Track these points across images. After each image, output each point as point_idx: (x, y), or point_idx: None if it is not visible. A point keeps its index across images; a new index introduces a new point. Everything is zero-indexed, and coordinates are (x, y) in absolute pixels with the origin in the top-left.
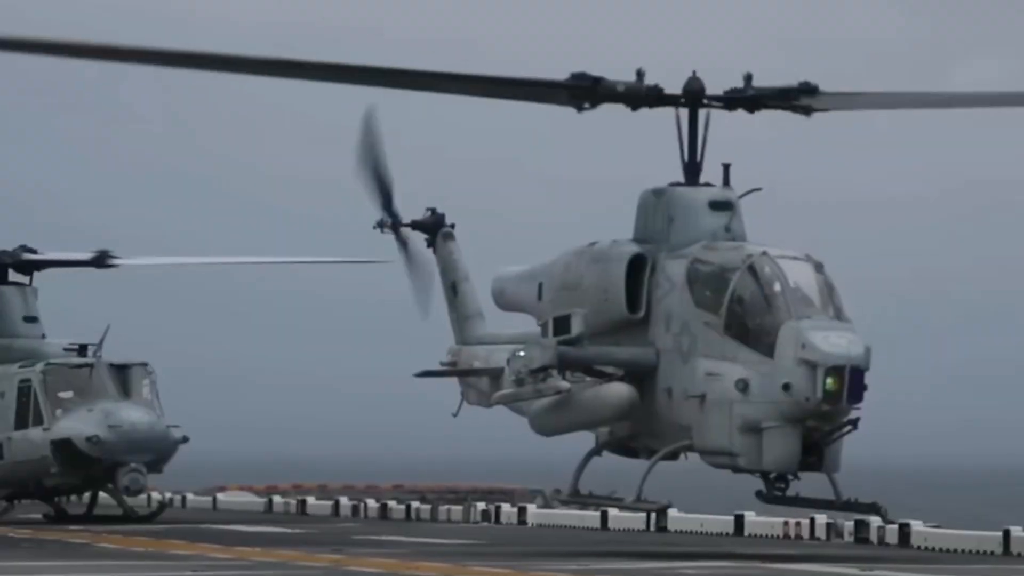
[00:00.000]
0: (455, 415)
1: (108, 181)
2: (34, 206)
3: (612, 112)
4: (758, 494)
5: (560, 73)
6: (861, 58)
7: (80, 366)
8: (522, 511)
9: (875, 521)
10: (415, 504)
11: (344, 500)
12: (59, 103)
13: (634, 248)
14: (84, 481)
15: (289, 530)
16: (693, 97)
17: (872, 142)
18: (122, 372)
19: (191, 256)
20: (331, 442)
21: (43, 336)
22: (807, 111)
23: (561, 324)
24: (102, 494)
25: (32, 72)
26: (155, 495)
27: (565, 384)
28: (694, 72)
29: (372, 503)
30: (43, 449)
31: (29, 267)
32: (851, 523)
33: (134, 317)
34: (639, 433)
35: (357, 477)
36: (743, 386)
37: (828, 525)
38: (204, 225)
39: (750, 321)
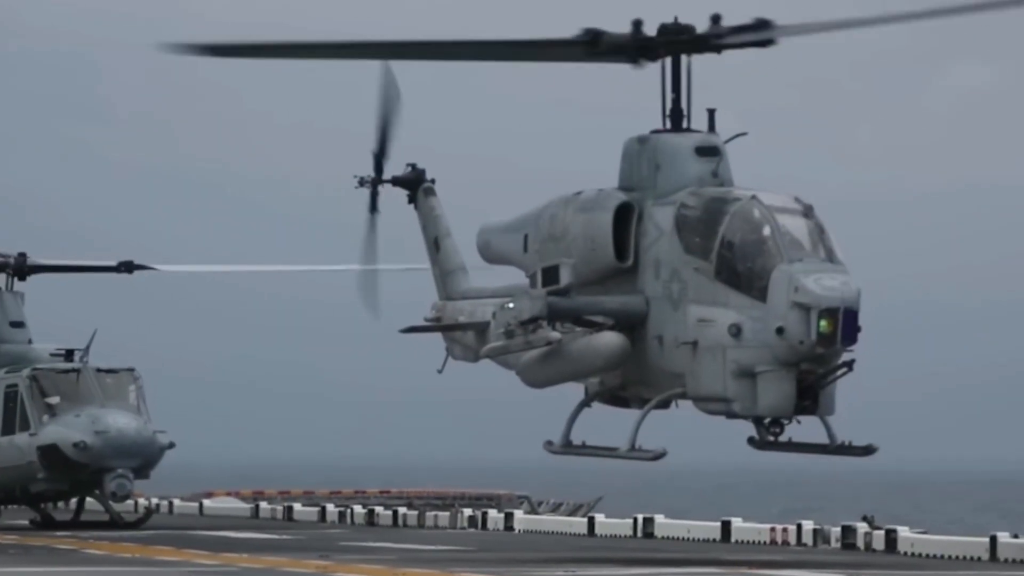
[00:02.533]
0: (440, 371)
1: (101, 186)
2: (23, 210)
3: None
4: (750, 441)
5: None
6: (845, 64)
7: (67, 371)
8: (509, 517)
9: (862, 527)
10: (402, 510)
11: (331, 506)
12: (50, 107)
13: (620, 196)
14: (71, 487)
15: (276, 536)
16: (672, 43)
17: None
18: (109, 377)
19: (184, 264)
20: (318, 446)
21: (30, 341)
22: (766, 44)
23: (549, 275)
24: (89, 500)
25: (25, 76)
26: (142, 501)
27: (556, 335)
28: (676, 18)
29: (359, 509)
30: (30, 455)
31: (19, 272)
32: (838, 529)
33: (122, 323)
34: (630, 383)
35: (344, 483)
36: (736, 331)
37: (815, 531)
38: (201, 230)
39: (741, 266)
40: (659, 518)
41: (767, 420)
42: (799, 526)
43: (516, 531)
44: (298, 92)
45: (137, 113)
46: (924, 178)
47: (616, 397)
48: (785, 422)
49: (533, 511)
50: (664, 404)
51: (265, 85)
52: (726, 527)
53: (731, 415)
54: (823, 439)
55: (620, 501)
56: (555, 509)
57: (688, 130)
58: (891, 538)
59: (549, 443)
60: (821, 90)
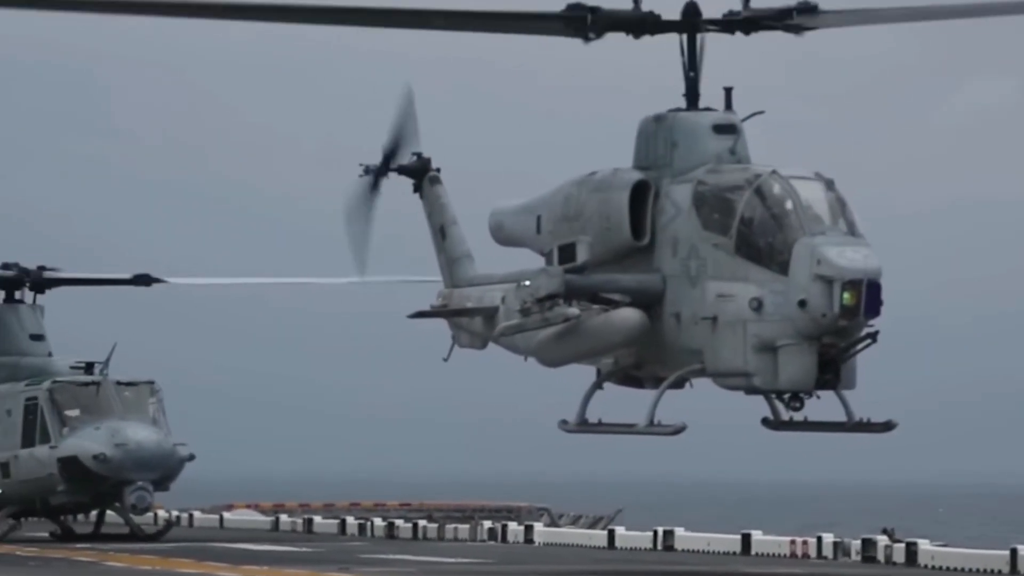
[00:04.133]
0: (446, 360)
1: (118, 201)
2: (44, 225)
3: (615, 42)
4: (765, 421)
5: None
6: (864, 79)
7: (87, 384)
8: (529, 529)
9: (882, 540)
10: (422, 522)
11: (351, 519)
12: (64, 123)
13: (636, 175)
14: (91, 499)
15: (296, 548)
16: (691, 21)
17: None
18: (128, 390)
19: (219, 277)
20: (338, 461)
21: (50, 354)
22: (799, 30)
23: (566, 252)
24: (109, 512)
25: (40, 92)
26: (162, 513)
27: (574, 311)
28: None
29: (379, 521)
30: (50, 467)
31: (38, 285)
32: (858, 542)
33: (142, 336)
34: (645, 361)
35: (364, 496)
36: (757, 305)
37: (835, 544)
38: (218, 245)
39: (762, 240)
40: (679, 531)
41: (787, 395)
42: (819, 539)
43: (536, 544)
44: (316, 109)
45: (151, 130)
46: (920, 193)
47: (630, 377)
48: (805, 397)
49: (553, 524)
50: (679, 383)
51: (282, 102)
52: (746, 540)
53: (751, 390)
54: (840, 418)
55: (640, 514)
56: (575, 521)
57: (705, 108)
58: (911, 551)
59: (564, 422)
60: (836, 103)
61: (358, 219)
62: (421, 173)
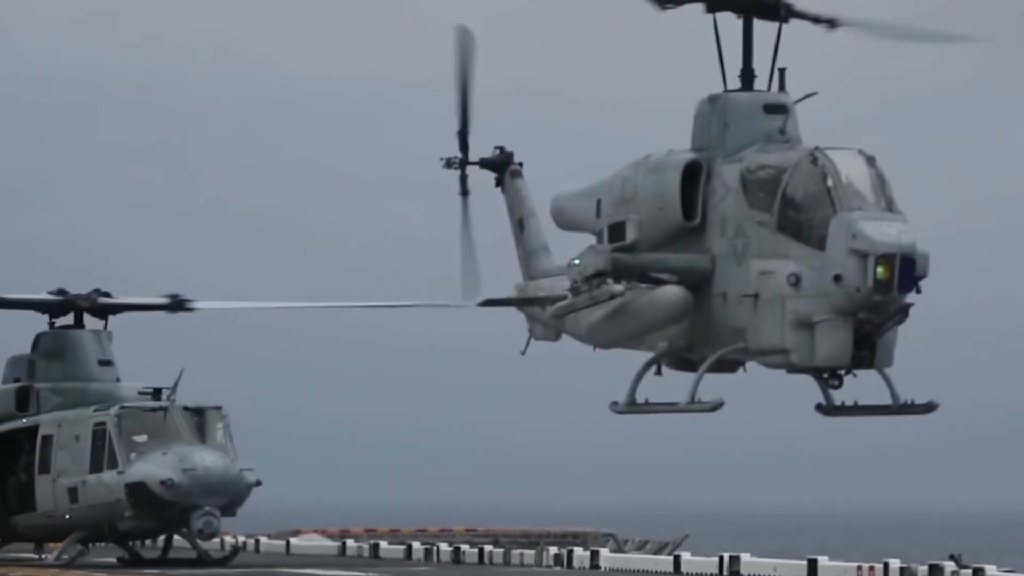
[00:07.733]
0: (523, 353)
1: (178, 229)
2: (107, 252)
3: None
4: (818, 407)
5: None
6: (928, 98)
7: (154, 409)
8: (595, 555)
9: (949, 566)
10: (488, 548)
11: (417, 544)
12: (128, 154)
13: (689, 156)
14: (158, 524)
15: (362, 574)
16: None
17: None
18: (196, 415)
19: (265, 301)
20: (403, 492)
21: (118, 379)
22: (832, 24)
23: (616, 231)
24: (176, 537)
25: (101, 123)
26: (229, 538)
27: (619, 288)
28: None
29: (445, 547)
30: (117, 492)
31: (104, 311)
32: (925, 568)
33: (210, 361)
34: (696, 343)
35: (430, 522)
36: (795, 280)
37: (902, 569)
38: (273, 275)
39: (802, 216)
40: (745, 556)
41: (825, 373)
42: (886, 564)
43: (602, 569)
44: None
45: (210, 161)
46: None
47: (683, 360)
48: (842, 374)
49: (619, 549)
50: (731, 366)
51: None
52: (812, 565)
53: (790, 368)
54: (886, 401)
55: (706, 540)
56: (641, 547)
57: (758, 89)
58: None
59: (615, 403)
60: (899, 129)
61: (464, 241)
62: (503, 166)
